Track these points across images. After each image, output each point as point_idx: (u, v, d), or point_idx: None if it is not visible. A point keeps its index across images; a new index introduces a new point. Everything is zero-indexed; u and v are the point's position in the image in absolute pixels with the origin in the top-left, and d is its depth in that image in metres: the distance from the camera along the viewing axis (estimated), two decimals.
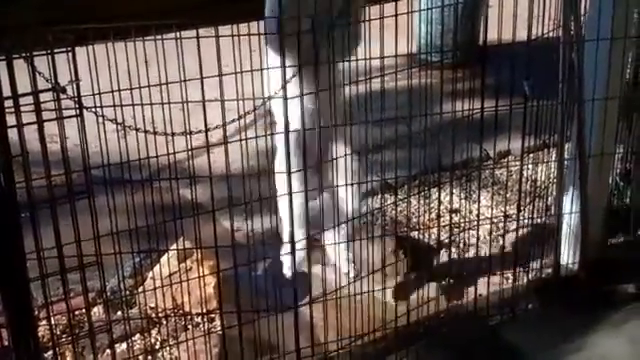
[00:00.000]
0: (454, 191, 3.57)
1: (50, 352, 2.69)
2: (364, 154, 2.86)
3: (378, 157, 2.96)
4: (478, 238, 3.35)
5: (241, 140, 2.49)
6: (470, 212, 3.38)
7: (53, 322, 2.42)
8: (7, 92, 1.97)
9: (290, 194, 2.51)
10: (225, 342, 2.85)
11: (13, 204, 2.08)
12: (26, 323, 2.24)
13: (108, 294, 2.70)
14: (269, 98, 2.50)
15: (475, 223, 3.22)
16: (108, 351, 2.72)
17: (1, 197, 2.04)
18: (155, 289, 2.80)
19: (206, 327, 2.93)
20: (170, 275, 2.87)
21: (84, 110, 2.13)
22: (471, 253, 3.34)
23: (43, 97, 2.04)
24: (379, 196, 3.79)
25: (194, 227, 2.51)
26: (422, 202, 3.55)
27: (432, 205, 3.52)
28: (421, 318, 2.99)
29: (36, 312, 2.52)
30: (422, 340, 2.99)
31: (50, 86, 2.04)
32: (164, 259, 3.00)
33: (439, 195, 3.50)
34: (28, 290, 2.20)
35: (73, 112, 2.11)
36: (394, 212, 3.64)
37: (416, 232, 3.48)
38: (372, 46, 2.49)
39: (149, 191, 2.50)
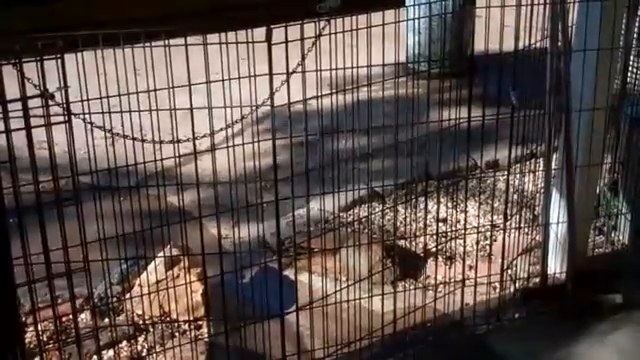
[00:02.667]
0: (442, 200, 3.59)
1: (37, 358, 2.69)
2: (352, 162, 2.87)
3: (365, 165, 2.98)
4: (465, 247, 3.36)
5: (228, 147, 2.50)
6: (458, 221, 3.39)
7: (40, 328, 2.42)
8: None
9: (277, 200, 2.52)
10: (212, 350, 2.86)
11: (0, 209, 2.08)
12: (13, 329, 2.23)
13: (95, 301, 2.70)
14: (258, 106, 2.51)
15: (462, 232, 3.23)
16: (95, 358, 2.71)
17: None
18: (142, 296, 2.80)
19: (193, 334, 2.92)
20: (158, 282, 2.87)
21: (72, 116, 2.14)
22: (458, 262, 3.34)
23: (32, 103, 2.04)
24: (367, 204, 3.81)
25: (181, 234, 2.52)
26: (410, 211, 3.56)
27: (420, 214, 3.53)
28: (408, 326, 3.00)
29: (23, 318, 2.52)
30: (409, 349, 3.00)
31: (39, 92, 2.04)
32: (151, 266, 3.00)
33: (426, 204, 3.52)
34: (15, 296, 2.20)
35: (61, 118, 2.12)
36: (382, 220, 3.65)
37: (404, 241, 3.49)
38: (360, 55, 2.51)
39: (137, 198, 2.51)
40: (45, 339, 2.69)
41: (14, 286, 2.22)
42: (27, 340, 2.58)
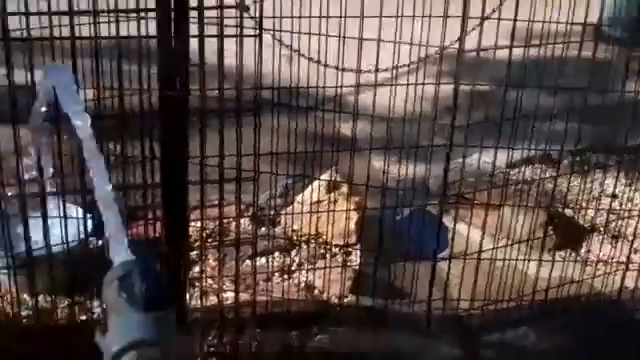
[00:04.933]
0: (616, 175, 3.40)
1: (195, 252, 2.86)
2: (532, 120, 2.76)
3: (544, 126, 2.86)
4: (636, 229, 3.18)
5: (408, 85, 2.49)
6: (630, 200, 3.21)
7: (203, 226, 2.56)
8: (194, 3, 2.06)
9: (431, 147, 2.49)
10: (359, 277, 2.91)
11: (184, 109, 2.20)
12: (180, 221, 2.38)
13: (257, 210, 2.81)
14: (445, 48, 2.46)
15: (634, 212, 3.06)
16: (248, 262, 2.84)
17: (175, 101, 2.16)
18: (302, 213, 2.89)
19: (342, 259, 2.99)
20: (317, 202, 2.94)
21: (263, 32, 2.19)
22: (624, 243, 3.18)
23: (225, 13, 2.11)
24: (538, 166, 3.68)
25: (349, 161, 2.55)
26: (581, 180, 3.40)
27: (589, 185, 3.37)
28: (560, 297, 2.91)
29: (190, 214, 2.68)
30: (557, 319, 2.92)
31: (234, 3, 2.10)
32: (314, 186, 3.07)
33: (603, 176, 3.35)
34: (186, 192, 2.33)
35: (252, 32, 2.17)
36: (551, 185, 3.51)
37: (570, 210, 3.35)
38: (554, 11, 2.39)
39: (311, 119, 2.55)
40: (205, 237, 2.84)
41: (187, 182, 2.35)
42: (190, 234, 2.74)
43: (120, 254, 0.95)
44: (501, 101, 2.48)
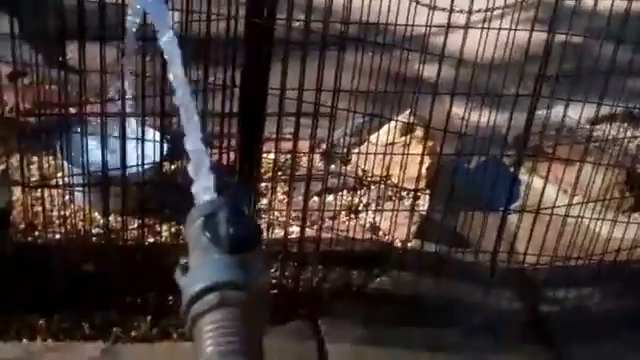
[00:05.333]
0: None
1: (265, 184, 2.86)
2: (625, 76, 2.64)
3: (635, 83, 2.74)
4: None
5: (500, 29, 2.40)
6: None
7: (276, 158, 2.55)
8: None
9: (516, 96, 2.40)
10: (425, 223, 2.88)
11: (269, 38, 2.16)
12: (254, 152, 2.38)
13: (330, 146, 2.78)
14: None
15: None
16: (316, 198, 2.83)
17: (260, 29, 2.13)
18: (375, 154, 2.85)
19: (410, 203, 2.95)
20: (392, 144, 2.89)
21: None
22: None
23: None
24: (620, 124, 3.54)
25: (429, 105, 2.49)
26: None
27: None
28: (631, 260, 2.84)
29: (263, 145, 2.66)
30: (625, 281, 2.86)
31: None
32: (390, 127, 3.02)
33: None
34: (263, 123, 2.32)
35: None
36: (633, 145, 3.39)
37: None
38: None
39: (395, 59, 2.49)
40: (276, 169, 2.84)
41: (264, 113, 2.34)
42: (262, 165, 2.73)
43: (205, 191, 0.92)
44: (596, 54, 2.37)
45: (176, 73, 1.09)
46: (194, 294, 0.78)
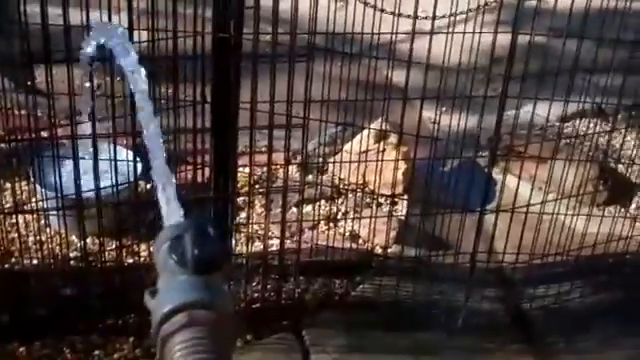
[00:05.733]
0: None
1: (243, 198, 2.86)
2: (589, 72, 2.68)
3: (601, 79, 2.78)
4: None
5: (465, 33, 2.42)
6: None
7: (251, 172, 2.55)
8: None
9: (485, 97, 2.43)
10: (404, 228, 2.90)
11: (237, 52, 2.17)
12: (228, 166, 2.38)
13: (305, 157, 2.79)
14: None
15: None
16: (294, 209, 2.84)
17: (228, 44, 2.13)
18: (350, 162, 2.86)
19: (388, 209, 2.97)
20: (366, 152, 2.91)
21: None
22: None
23: None
24: (589, 120, 3.59)
25: (399, 111, 2.51)
26: (636, 136, 3.32)
27: None
28: (607, 254, 2.87)
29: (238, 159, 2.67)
30: (602, 276, 2.89)
31: None
32: (363, 135, 3.03)
33: None
34: (236, 137, 2.32)
35: None
36: (604, 140, 3.44)
37: (620, 165, 3.29)
38: None
39: (363, 67, 2.51)
40: (252, 183, 2.84)
41: (237, 127, 2.34)
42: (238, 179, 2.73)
43: (172, 214, 0.93)
44: (559, 53, 2.40)
45: (139, 92, 1.09)
46: (163, 315, 0.80)
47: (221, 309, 0.82)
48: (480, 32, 2.42)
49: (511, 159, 2.91)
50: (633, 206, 3.23)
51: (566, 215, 2.82)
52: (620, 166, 3.31)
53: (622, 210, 3.16)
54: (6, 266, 2.51)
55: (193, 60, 2.11)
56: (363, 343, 2.51)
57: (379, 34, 2.41)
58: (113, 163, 2.35)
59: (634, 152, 3.20)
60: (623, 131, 3.01)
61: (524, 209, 2.73)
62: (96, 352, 2.34)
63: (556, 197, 2.84)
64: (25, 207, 2.57)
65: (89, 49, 1.47)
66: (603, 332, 2.69)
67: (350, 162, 2.88)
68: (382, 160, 2.73)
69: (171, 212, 0.93)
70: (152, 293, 0.84)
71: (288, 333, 2.51)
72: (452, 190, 2.76)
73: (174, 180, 0.96)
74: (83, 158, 2.24)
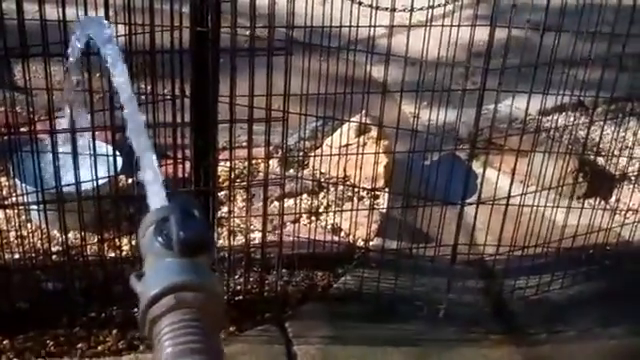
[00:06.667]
0: None
1: (224, 192, 2.87)
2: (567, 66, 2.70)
3: (581, 73, 2.80)
4: None
5: (443, 26, 2.44)
6: None
7: (232, 166, 2.55)
8: None
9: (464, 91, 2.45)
10: (385, 221, 2.92)
11: (216, 47, 2.17)
12: (208, 161, 2.38)
13: (286, 151, 2.80)
14: None
15: None
16: (276, 203, 2.85)
17: (206, 38, 2.14)
18: (330, 155, 2.88)
19: (369, 203, 2.99)
20: (346, 146, 2.92)
21: None
22: None
23: None
24: (569, 113, 3.61)
25: (379, 104, 2.52)
26: (614, 129, 3.35)
27: (625, 135, 3.32)
28: (587, 245, 2.90)
29: (219, 154, 2.67)
30: (582, 267, 2.91)
31: None
32: (343, 129, 3.05)
33: (637, 125, 3.30)
34: (215, 131, 2.33)
35: None
36: (583, 133, 3.47)
37: (601, 158, 3.31)
38: None
39: (342, 62, 2.52)
40: (233, 177, 2.85)
41: (216, 122, 2.34)
42: (218, 174, 2.74)
43: (156, 198, 0.93)
44: (537, 46, 2.42)
45: (119, 79, 1.11)
46: (150, 298, 0.80)
47: (209, 290, 0.82)
48: (459, 25, 2.44)
49: (491, 152, 2.92)
50: (613, 198, 3.25)
51: (546, 207, 2.84)
52: (600, 159, 3.33)
53: (602, 202, 3.18)
54: None
55: (171, 54, 2.11)
56: (345, 334, 2.53)
57: (357, 27, 2.42)
58: (93, 157, 2.35)
59: (613, 145, 3.23)
60: (602, 124, 3.03)
61: (504, 201, 2.75)
62: (79, 345, 2.34)
63: (536, 190, 2.87)
64: (5, 202, 2.57)
65: (77, 44, 1.48)
66: (583, 323, 2.72)
67: (331, 155, 2.89)
68: (362, 153, 2.74)
69: (155, 195, 0.93)
70: (138, 276, 0.84)
71: (271, 325, 2.52)
72: (433, 183, 2.78)
73: (157, 164, 0.97)
74: (63, 152, 2.25)
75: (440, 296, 2.66)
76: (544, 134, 3.36)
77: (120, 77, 1.11)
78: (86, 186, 2.33)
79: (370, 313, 2.62)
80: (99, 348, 2.35)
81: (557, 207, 2.87)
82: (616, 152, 3.25)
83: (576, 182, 3.07)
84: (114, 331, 2.39)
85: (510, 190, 2.77)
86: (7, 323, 2.35)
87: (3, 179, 2.66)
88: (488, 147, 2.89)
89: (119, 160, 2.45)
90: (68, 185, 2.30)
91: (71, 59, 1.57)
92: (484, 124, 3.06)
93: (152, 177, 0.96)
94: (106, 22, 1.23)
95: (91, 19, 1.34)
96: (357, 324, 2.58)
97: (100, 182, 2.34)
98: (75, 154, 2.22)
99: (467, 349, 2.58)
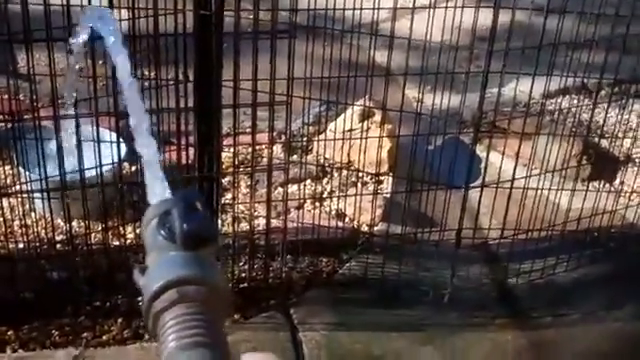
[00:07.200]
0: None
1: (227, 179, 2.86)
2: (571, 48, 2.69)
3: (583, 55, 2.79)
4: None
5: (447, 7, 2.42)
6: None
7: (236, 152, 2.55)
8: None
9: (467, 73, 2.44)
10: (389, 205, 2.91)
11: (219, 30, 2.16)
12: (212, 147, 2.37)
13: (290, 136, 2.79)
14: None
15: None
16: (280, 189, 2.84)
17: (209, 22, 2.12)
18: (334, 139, 2.87)
19: (373, 188, 2.98)
20: (350, 131, 2.91)
21: None
22: None
23: None
24: (573, 96, 3.60)
25: (383, 89, 2.51)
26: (618, 112, 3.34)
27: (629, 117, 3.31)
28: (591, 228, 2.89)
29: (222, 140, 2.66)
30: (587, 250, 2.91)
31: None
32: (347, 114, 3.04)
33: None
34: (219, 116, 2.32)
35: None
36: (587, 116, 3.46)
37: (605, 140, 3.30)
38: None
39: (346, 46, 2.50)
40: (237, 163, 2.84)
41: (220, 107, 2.33)
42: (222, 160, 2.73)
43: (158, 191, 0.92)
44: (541, 29, 2.41)
45: (121, 67, 1.09)
46: (153, 292, 0.79)
47: (212, 284, 0.81)
48: (463, 6, 2.42)
49: (495, 136, 2.91)
50: (617, 180, 3.24)
51: (550, 190, 2.83)
52: (604, 141, 3.32)
53: (606, 185, 3.17)
54: None
55: (175, 38, 2.10)
56: (350, 320, 2.52)
57: (361, 10, 2.40)
58: (96, 145, 2.34)
59: (617, 127, 3.22)
60: (606, 106, 3.02)
61: (508, 185, 2.75)
62: (85, 334, 2.34)
63: (540, 172, 2.86)
64: (9, 191, 2.56)
65: (83, 34, 1.47)
66: (588, 305, 2.72)
67: (335, 140, 2.88)
68: (366, 137, 2.73)
69: (157, 188, 0.92)
70: (142, 270, 0.83)
71: (276, 312, 2.52)
72: (436, 168, 2.77)
73: (160, 157, 0.96)
74: (67, 140, 2.23)
75: (445, 281, 2.66)
76: (548, 117, 3.35)
77: (121, 64, 1.09)
78: (90, 174, 2.33)
79: (375, 298, 2.62)
80: (104, 337, 2.35)
81: (561, 190, 2.86)
82: (620, 134, 3.24)
83: (580, 165, 3.06)
84: (119, 320, 2.39)
85: (514, 173, 2.76)
86: (12, 313, 2.35)
87: (7, 167, 2.64)
88: (492, 130, 2.88)
89: (123, 147, 2.43)
90: (72, 173, 2.29)
91: (76, 50, 1.55)
92: (488, 108, 3.06)
93: (153, 169, 0.95)
94: (110, 14, 1.22)
95: (95, 10, 1.33)
96: (362, 310, 2.58)
97: (104, 169, 2.33)
98: (79, 141, 2.21)
99: (472, 333, 2.57)
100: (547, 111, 3.41)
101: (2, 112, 2.44)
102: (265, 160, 2.69)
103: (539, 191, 2.79)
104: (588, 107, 3.21)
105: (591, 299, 2.75)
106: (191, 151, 2.40)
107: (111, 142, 2.39)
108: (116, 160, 2.42)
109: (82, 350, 2.27)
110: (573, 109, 3.10)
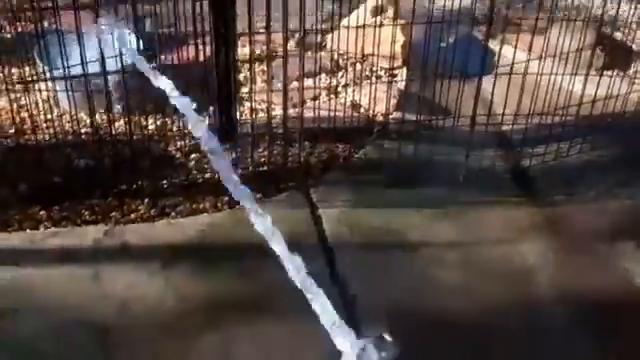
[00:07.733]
0: None
1: (244, 74, 2.91)
2: None
3: None
4: None
5: None
6: None
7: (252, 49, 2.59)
8: None
9: None
10: (404, 96, 2.94)
11: None
12: (228, 34, 2.43)
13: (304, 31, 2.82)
14: None
15: None
16: (295, 83, 2.90)
17: None
18: (348, 33, 2.90)
19: (388, 80, 3.01)
20: (363, 26, 2.95)
21: None
22: None
23: None
24: None
25: None
26: (632, 5, 3.33)
27: None
28: (605, 112, 2.92)
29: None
30: (600, 134, 2.94)
31: None
32: (357, 12, 3.07)
33: None
34: (235, 16, 2.36)
35: None
36: (600, 11, 3.45)
37: (619, 32, 3.31)
38: None
39: None
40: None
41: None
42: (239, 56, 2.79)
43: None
44: None
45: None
46: None
47: None
48: None
49: (507, 31, 2.93)
50: (631, 70, 3.25)
51: (564, 76, 2.85)
52: (617, 33, 3.32)
53: (620, 74, 3.18)
54: (20, 141, 2.60)
55: None
56: (367, 199, 2.59)
57: None
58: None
59: (631, 19, 3.22)
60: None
61: (522, 72, 2.77)
62: (113, 213, 2.43)
63: (554, 59, 2.88)
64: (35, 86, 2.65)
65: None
66: (602, 184, 2.76)
67: (348, 33, 2.92)
68: (381, 25, 2.76)
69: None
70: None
71: (296, 192, 2.59)
72: (450, 62, 2.80)
73: None
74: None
75: (460, 162, 2.70)
76: (561, 13, 3.35)
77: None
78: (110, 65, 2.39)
79: (391, 180, 2.68)
80: (132, 216, 2.44)
81: (575, 75, 2.88)
82: (634, 26, 3.24)
83: (594, 53, 3.07)
84: (145, 200, 2.48)
85: (528, 62, 2.78)
86: (42, 196, 2.45)
87: (30, 68, 2.73)
88: (504, 25, 2.89)
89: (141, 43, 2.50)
90: (93, 62, 2.36)
91: None
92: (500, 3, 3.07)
93: None
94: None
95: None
96: (378, 190, 2.64)
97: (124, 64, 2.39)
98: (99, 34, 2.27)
99: (486, 210, 2.62)
100: (560, 7, 3.40)
101: (24, 9, 2.53)
102: (280, 56, 2.74)
103: (552, 78, 2.81)
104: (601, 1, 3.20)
105: (604, 178, 2.78)
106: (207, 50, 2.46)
107: (129, 34, 2.45)
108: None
109: (112, 226, 2.36)
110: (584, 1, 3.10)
